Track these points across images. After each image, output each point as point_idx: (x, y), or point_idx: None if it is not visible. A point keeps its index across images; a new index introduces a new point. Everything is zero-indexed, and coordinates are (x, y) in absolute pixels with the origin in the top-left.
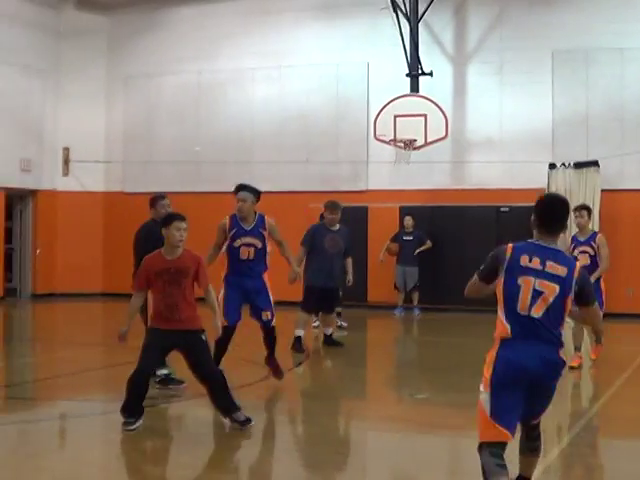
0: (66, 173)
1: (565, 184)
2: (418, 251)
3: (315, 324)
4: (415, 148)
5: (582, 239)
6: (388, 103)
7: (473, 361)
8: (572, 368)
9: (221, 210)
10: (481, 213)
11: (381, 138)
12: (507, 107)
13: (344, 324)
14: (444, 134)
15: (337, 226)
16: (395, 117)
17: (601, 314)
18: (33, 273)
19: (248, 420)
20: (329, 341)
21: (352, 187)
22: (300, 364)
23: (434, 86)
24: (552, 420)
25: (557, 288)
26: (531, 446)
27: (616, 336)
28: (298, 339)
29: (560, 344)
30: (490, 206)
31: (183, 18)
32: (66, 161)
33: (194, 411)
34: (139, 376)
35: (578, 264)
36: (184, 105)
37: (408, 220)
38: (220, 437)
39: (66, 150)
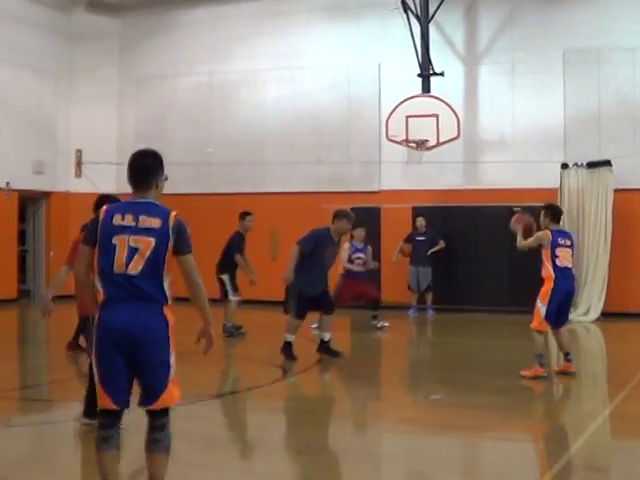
0: (79, 175)
1: (578, 184)
2: (431, 251)
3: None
4: (427, 148)
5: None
6: (400, 103)
7: (487, 362)
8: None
9: (233, 211)
10: (494, 213)
11: (393, 138)
12: (519, 107)
13: (385, 324)
14: (456, 134)
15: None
16: (407, 117)
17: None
18: (46, 275)
19: None
20: (324, 349)
21: (364, 187)
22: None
23: (446, 86)
24: (566, 420)
25: (152, 241)
26: (152, 438)
27: (632, 336)
28: (289, 345)
29: (163, 302)
30: (503, 206)
31: (195, 20)
32: (78, 163)
33: (209, 413)
34: None
35: (173, 213)
36: (196, 106)
37: (420, 221)
38: (235, 439)
39: (78, 152)
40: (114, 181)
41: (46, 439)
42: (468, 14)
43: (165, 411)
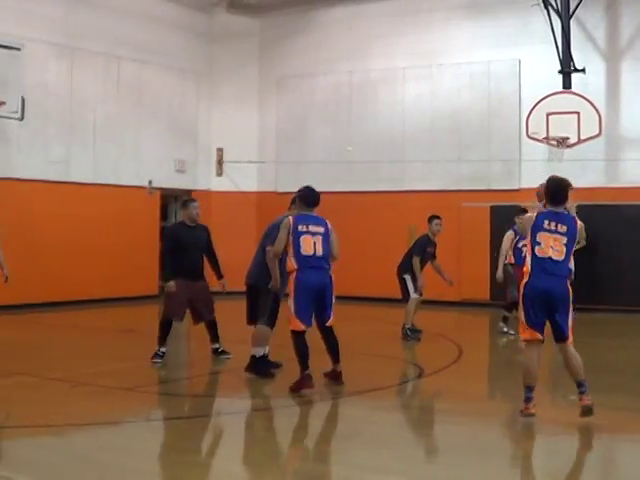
0: (220, 173)
1: None
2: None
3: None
4: (568, 146)
5: None
6: (540, 100)
7: (634, 362)
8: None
9: (373, 209)
10: (636, 211)
11: (534, 136)
12: None
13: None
14: (598, 131)
15: None
16: (547, 115)
17: None
18: None
19: None
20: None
21: (505, 186)
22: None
23: (587, 83)
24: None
25: None
26: None
27: None
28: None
29: None
30: None
31: (334, 19)
32: (220, 162)
33: (347, 409)
34: None
35: None
36: (336, 105)
37: None
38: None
39: (220, 151)
40: (255, 179)
41: (185, 434)
42: (609, 10)
43: None
